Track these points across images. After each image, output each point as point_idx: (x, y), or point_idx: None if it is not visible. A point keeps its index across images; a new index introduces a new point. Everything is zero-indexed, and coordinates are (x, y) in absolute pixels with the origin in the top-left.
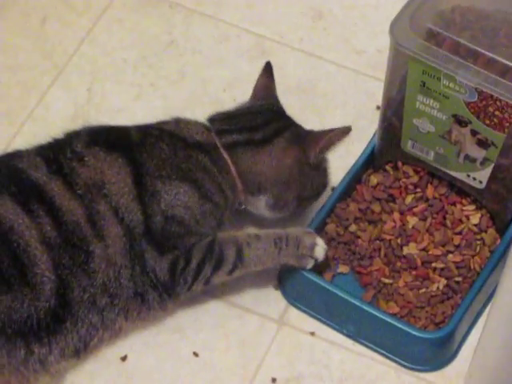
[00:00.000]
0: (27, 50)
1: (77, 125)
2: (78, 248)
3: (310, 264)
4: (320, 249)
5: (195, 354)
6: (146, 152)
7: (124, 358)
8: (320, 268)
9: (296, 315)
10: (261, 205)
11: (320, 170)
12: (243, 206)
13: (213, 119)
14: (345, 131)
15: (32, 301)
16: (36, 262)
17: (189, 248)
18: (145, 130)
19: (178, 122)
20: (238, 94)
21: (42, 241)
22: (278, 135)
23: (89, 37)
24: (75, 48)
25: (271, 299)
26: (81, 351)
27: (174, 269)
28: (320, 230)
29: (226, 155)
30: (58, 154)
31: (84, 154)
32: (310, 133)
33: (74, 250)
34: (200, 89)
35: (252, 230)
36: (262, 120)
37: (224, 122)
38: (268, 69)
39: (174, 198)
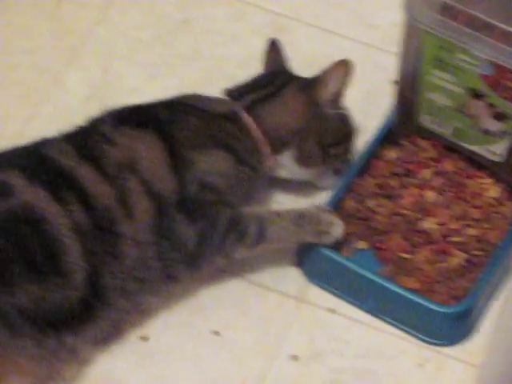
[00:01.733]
0: (42, 32)
1: (93, 106)
2: (107, 231)
3: (330, 240)
4: (337, 227)
5: (216, 333)
6: (176, 126)
7: (145, 338)
8: (339, 244)
9: (315, 292)
10: (289, 162)
11: (337, 114)
12: (274, 174)
13: (227, 91)
14: (342, 62)
15: (63, 290)
16: (68, 251)
17: (216, 217)
18: (171, 106)
19: (199, 97)
20: (253, 71)
21: (73, 229)
22: (285, 86)
23: (103, 17)
24: (90, 29)
25: (290, 277)
26: (112, 336)
27: (203, 237)
28: (338, 205)
29: (248, 119)
30: (87, 139)
31: (112, 135)
32: (314, 77)
33: (103, 233)
34: (215, 67)
35: (273, 208)
36: (269, 79)
37: (238, 89)
38: (274, 46)
39: (210, 166)
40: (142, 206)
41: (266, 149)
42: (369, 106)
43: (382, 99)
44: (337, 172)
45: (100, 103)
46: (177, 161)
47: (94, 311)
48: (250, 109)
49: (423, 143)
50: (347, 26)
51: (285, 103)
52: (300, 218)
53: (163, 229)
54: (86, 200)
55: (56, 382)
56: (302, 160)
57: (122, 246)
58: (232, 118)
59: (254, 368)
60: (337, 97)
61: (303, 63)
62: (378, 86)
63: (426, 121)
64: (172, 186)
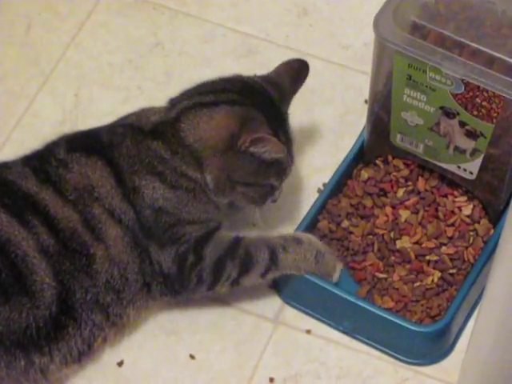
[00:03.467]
0: (13, 57)
1: (65, 130)
2: (79, 253)
3: (337, 276)
4: (338, 273)
5: (192, 357)
6: (117, 151)
7: (120, 364)
8: None
9: (291, 314)
10: (210, 184)
11: (256, 160)
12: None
13: (172, 98)
14: (279, 149)
15: (31, 309)
16: (35, 270)
17: (196, 241)
18: (112, 130)
19: (141, 111)
20: None
21: (39, 249)
22: (226, 104)
23: (74, 42)
24: (61, 54)
25: (266, 299)
26: (84, 354)
27: (182, 263)
28: (312, 227)
29: (179, 129)
30: (44, 163)
31: (67, 161)
32: (259, 122)
33: (74, 255)
34: None
35: (294, 234)
36: (222, 86)
37: (181, 94)
38: (303, 68)
39: (153, 191)
40: (113, 233)
41: (188, 166)
42: (342, 126)
43: (355, 119)
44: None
45: (72, 127)
46: (125, 188)
47: (64, 329)
48: (179, 117)
49: (396, 162)
50: (319, 46)
51: (213, 120)
52: (320, 254)
53: (141, 250)
54: (50, 223)
55: None
56: (214, 185)
57: (94, 265)
58: (162, 131)
59: None
60: (259, 143)
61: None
62: (351, 106)
63: (398, 140)
64: (130, 213)
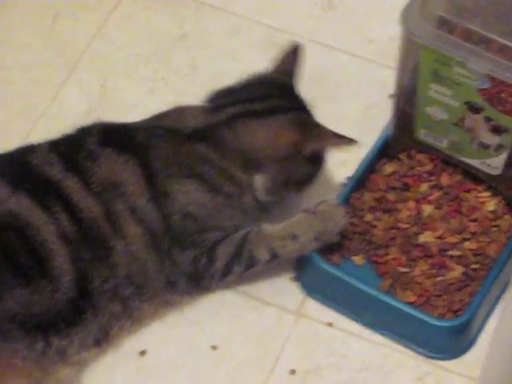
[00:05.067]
0: (40, 47)
1: (91, 120)
2: (98, 243)
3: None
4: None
5: (213, 347)
6: (152, 153)
7: (143, 353)
8: (331, 252)
9: (313, 306)
10: (258, 187)
11: (312, 163)
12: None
13: (211, 98)
14: (349, 142)
15: (51, 293)
16: (54, 256)
17: (212, 245)
18: (148, 130)
19: (176, 112)
20: None
21: (59, 235)
22: (280, 112)
23: (100, 33)
24: (87, 44)
25: (289, 291)
26: (101, 340)
27: (197, 265)
28: None
29: (226, 134)
30: (72, 151)
31: (98, 154)
32: (318, 126)
33: (93, 244)
34: (212, 82)
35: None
36: (263, 92)
37: (222, 97)
38: (295, 52)
39: (185, 196)
40: (133, 230)
41: (237, 168)
42: (366, 120)
43: (379, 113)
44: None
45: (98, 118)
46: (154, 191)
47: (82, 314)
48: (228, 123)
49: (421, 157)
50: (344, 40)
51: (272, 130)
52: (321, 234)
53: (160, 250)
54: (72, 211)
55: (51, 383)
56: (268, 189)
57: (113, 258)
58: (206, 135)
59: (251, 381)
60: (321, 152)
61: (300, 77)
62: (376, 100)
63: (423, 135)
64: (154, 216)
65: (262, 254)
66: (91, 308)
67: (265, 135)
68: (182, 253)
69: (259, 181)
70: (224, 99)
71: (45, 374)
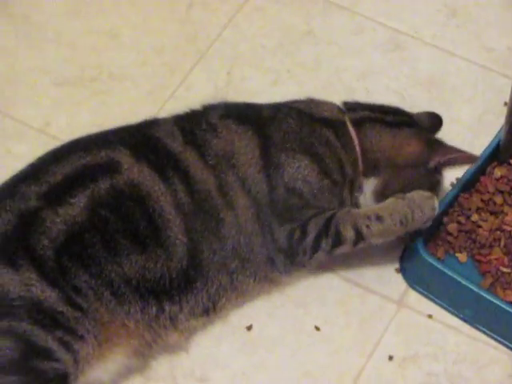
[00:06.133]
0: (173, 33)
1: None
2: (210, 214)
3: (429, 223)
4: (426, 210)
5: (317, 328)
6: (274, 126)
7: (249, 328)
8: (436, 245)
9: (415, 298)
10: (370, 189)
11: (431, 178)
12: (358, 193)
13: (346, 102)
14: (472, 159)
15: (165, 261)
16: (169, 226)
17: (306, 221)
18: (276, 107)
19: (309, 101)
20: (370, 84)
21: (175, 206)
22: (407, 125)
23: (231, 23)
24: (218, 33)
25: (392, 281)
26: (210, 310)
27: (291, 239)
28: (442, 218)
29: (352, 131)
30: (194, 124)
31: (217, 126)
32: (441, 142)
33: (205, 216)
34: (334, 77)
35: (374, 206)
36: (394, 110)
37: (357, 104)
38: (435, 120)
39: (296, 171)
40: (242, 202)
41: (358, 166)
42: (479, 125)
43: (493, 119)
44: None
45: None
46: (268, 162)
47: (192, 283)
48: (358, 123)
49: None
50: (464, 47)
51: (397, 139)
52: (407, 218)
53: (263, 223)
54: (188, 182)
55: (160, 347)
56: (381, 193)
57: (223, 229)
58: (335, 125)
59: (350, 364)
60: (444, 166)
61: (418, 80)
62: (490, 107)
63: None
64: (262, 186)
65: (348, 231)
66: (201, 278)
67: (392, 142)
68: (279, 227)
69: (373, 183)
70: (359, 106)
71: (155, 338)
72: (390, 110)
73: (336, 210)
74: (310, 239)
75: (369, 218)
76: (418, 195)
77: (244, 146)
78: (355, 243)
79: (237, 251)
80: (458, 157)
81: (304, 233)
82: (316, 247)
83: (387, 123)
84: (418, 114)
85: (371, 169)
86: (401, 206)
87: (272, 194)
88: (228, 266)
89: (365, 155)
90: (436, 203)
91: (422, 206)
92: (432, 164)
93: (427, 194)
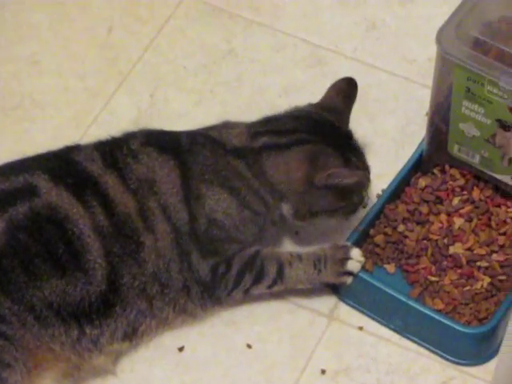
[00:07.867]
0: (94, 57)
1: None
2: (129, 237)
3: (349, 279)
4: (353, 263)
5: (248, 346)
6: (193, 157)
7: (181, 349)
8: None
9: (345, 310)
10: (287, 214)
11: (336, 190)
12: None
13: (255, 123)
14: (357, 177)
15: (84, 285)
16: (88, 249)
17: (231, 255)
18: (193, 137)
19: (223, 126)
20: (293, 100)
21: (94, 229)
22: (298, 143)
23: (152, 45)
24: (139, 56)
25: (322, 295)
26: (131, 335)
27: (215, 272)
28: (368, 230)
29: (258, 159)
30: (115, 149)
31: (138, 152)
32: (328, 156)
33: (125, 239)
34: (257, 95)
35: (294, 249)
36: (293, 126)
37: (261, 125)
38: (351, 85)
39: (216, 204)
40: (162, 227)
41: (267, 195)
42: (402, 136)
43: (415, 130)
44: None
45: (147, 126)
46: (189, 192)
47: (112, 307)
48: (258, 152)
49: (453, 172)
50: (385, 59)
51: (289, 162)
52: (320, 261)
53: (183, 252)
54: (108, 205)
55: (88, 370)
56: (294, 215)
57: (143, 253)
58: (245, 155)
59: (284, 380)
60: (334, 178)
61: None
62: (413, 118)
63: (456, 150)
64: (183, 215)
65: (272, 266)
66: (120, 302)
67: (283, 168)
68: (202, 259)
69: (284, 208)
70: (263, 127)
71: (82, 360)
72: (288, 126)
73: (261, 247)
74: (234, 272)
75: (291, 255)
76: (332, 247)
77: (165, 175)
78: (274, 282)
79: (156, 276)
80: (339, 173)
81: (228, 266)
82: (238, 281)
83: (280, 147)
84: (329, 90)
85: (280, 196)
86: (317, 251)
87: (193, 224)
88: (148, 291)
89: (270, 184)
90: (353, 253)
91: (334, 253)
92: (316, 181)
93: (342, 244)
